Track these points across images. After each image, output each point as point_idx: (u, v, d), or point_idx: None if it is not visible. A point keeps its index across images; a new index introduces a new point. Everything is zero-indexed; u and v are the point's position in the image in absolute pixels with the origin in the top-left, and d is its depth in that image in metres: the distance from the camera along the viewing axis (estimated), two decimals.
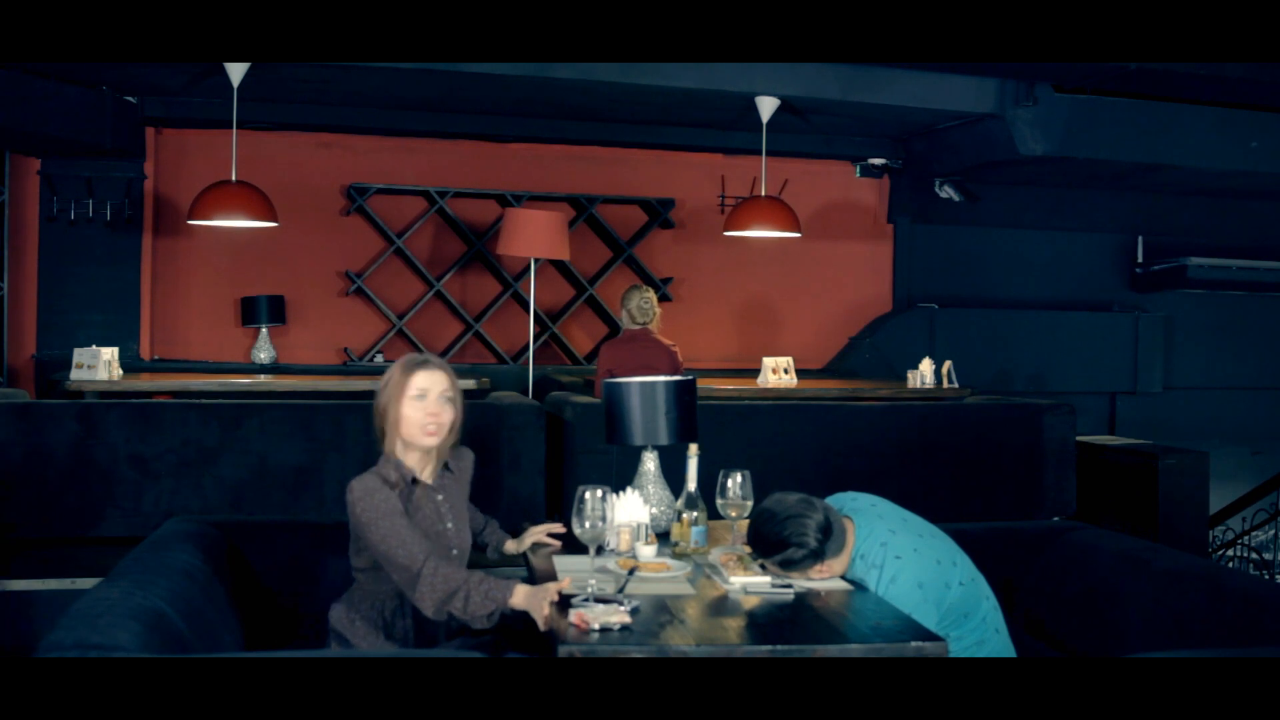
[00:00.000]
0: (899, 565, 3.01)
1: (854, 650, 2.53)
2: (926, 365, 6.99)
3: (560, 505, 5.69)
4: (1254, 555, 8.11)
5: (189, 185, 7.23)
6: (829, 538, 3.01)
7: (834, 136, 8.24)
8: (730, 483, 3.43)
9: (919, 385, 6.92)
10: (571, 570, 3.06)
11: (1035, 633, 3.64)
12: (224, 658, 2.28)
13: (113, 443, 5.43)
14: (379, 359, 7.95)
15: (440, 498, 3.14)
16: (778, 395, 6.59)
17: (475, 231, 8.14)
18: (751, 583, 2.98)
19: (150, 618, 2.44)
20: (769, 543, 3.01)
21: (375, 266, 8.01)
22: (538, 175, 8.28)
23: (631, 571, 3.00)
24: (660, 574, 3.04)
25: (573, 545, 3.21)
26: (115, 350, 6.29)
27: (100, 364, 6.09)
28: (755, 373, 7.16)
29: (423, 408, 3.04)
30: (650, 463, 3.66)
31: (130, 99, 7.21)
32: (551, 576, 3.03)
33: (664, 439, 3.65)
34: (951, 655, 2.84)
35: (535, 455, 5.71)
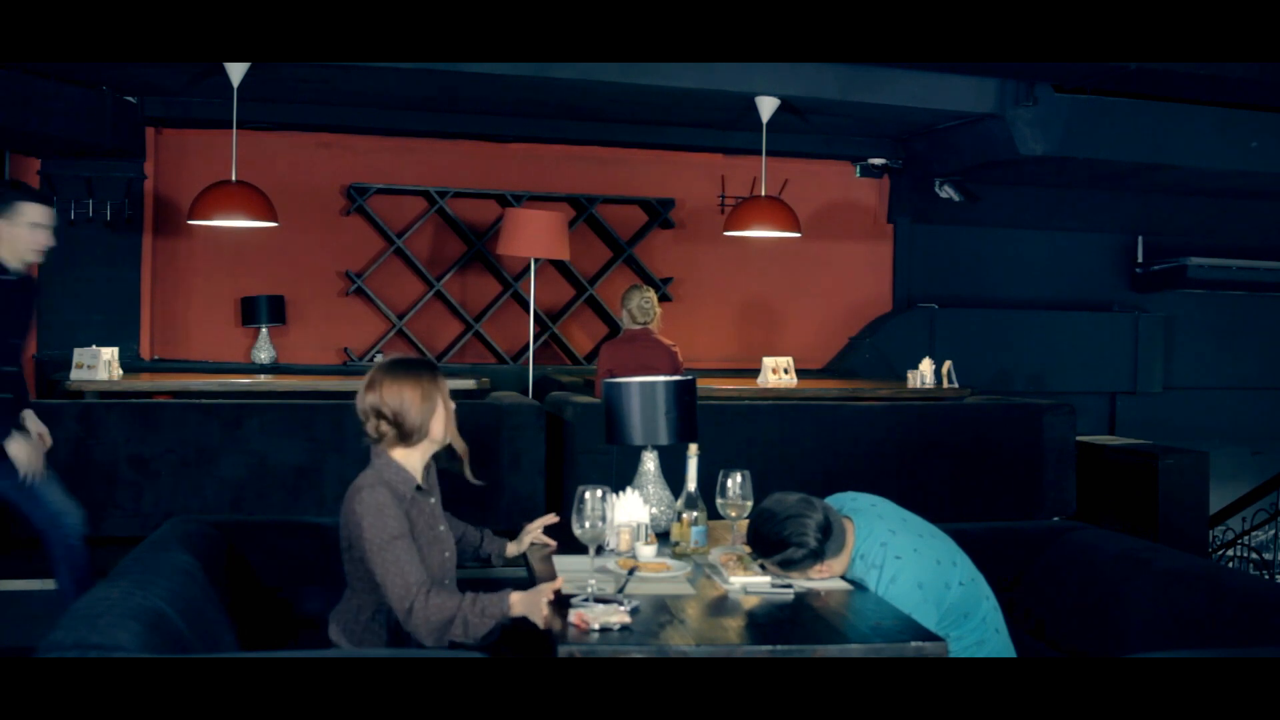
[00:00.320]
0: (899, 565, 3.01)
1: (854, 650, 2.53)
2: (926, 365, 6.99)
3: (560, 505, 5.69)
4: (1254, 555, 8.12)
5: (189, 185, 7.23)
6: (829, 538, 3.01)
7: (834, 136, 8.24)
8: (730, 483, 3.43)
9: (919, 385, 6.92)
10: (571, 570, 3.07)
11: (1035, 633, 3.63)
12: (224, 658, 2.28)
13: (113, 443, 5.43)
14: (379, 359, 7.93)
15: (433, 500, 3.14)
16: (778, 395, 6.59)
17: (475, 231, 8.14)
18: (751, 583, 2.97)
19: (150, 618, 2.44)
20: (769, 543, 3.01)
21: (375, 266, 8.01)
22: (538, 175, 8.28)
23: (631, 571, 3.00)
24: (660, 574, 3.04)
25: (572, 545, 3.21)
26: (115, 350, 6.29)
27: (100, 364, 6.09)
28: (755, 373, 7.16)
29: (450, 407, 3.10)
30: (650, 463, 3.66)
31: (130, 99, 7.21)
32: (551, 577, 3.03)
33: (664, 439, 3.65)
34: (951, 655, 2.84)
35: (535, 455, 5.71)
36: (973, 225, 8.95)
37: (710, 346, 8.48)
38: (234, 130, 6.51)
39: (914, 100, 6.84)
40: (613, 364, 6.07)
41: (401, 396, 3.01)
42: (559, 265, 8.22)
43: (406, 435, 3.02)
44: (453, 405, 3.10)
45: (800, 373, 7.29)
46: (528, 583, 3.17)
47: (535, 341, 7.98)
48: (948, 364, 7.04)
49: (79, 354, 6.15)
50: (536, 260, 7.58)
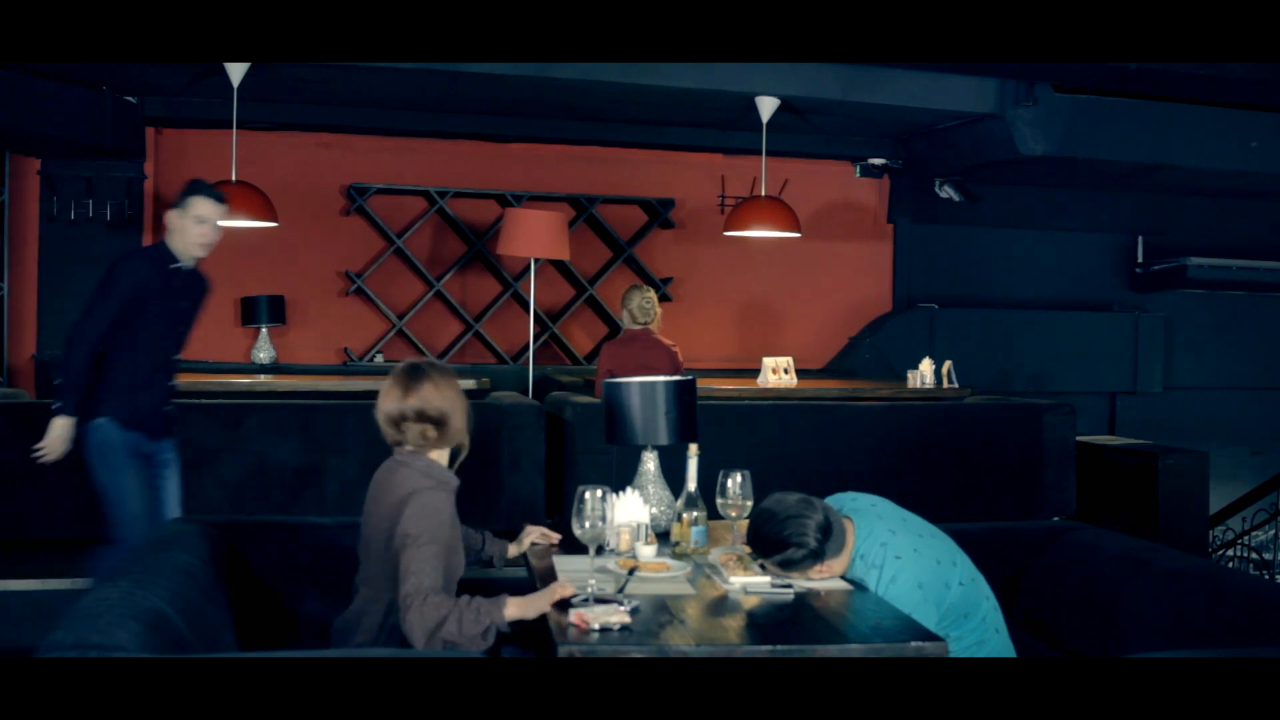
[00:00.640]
0: (899, 565, 3.01)
1: (854, 650, 2.53)
2: (926, 365, 6.99)
3: (560, 505, 5.69)
4: (1254, 555, 8.11)
5: None
6: (829, 538, 3.01)
7: (834, 136, 8.24)
8: (730, 483, 3.43)
9: (919, 385, 6.92)
10: (571, 570, 3.06)
11: (1035, 633, 3.63)
12: (224, 658, 2.28)
13: None
14: (379, 359, 7.95)
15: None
16: (778, 395, 6.59)
17: (475, 231, 8.14)
18: (751, 583, 2.98)
19: (150, 618, 2.44)
20: (769, 543, 3.01)
21: (375, 266, 8.01)
22: (538, 175, 8.28)
23: (631, 571, 3.00)
24: (660, 574, 3.04)
25: (573, 545, 3.21)
26: None
27: None
28: (755, 373, 7.16)
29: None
30: (650, 463, 3.66)
31: (130, 99, 7.21)
32: (551, 576, 3.03)
33: (664, 439, 3.65)
34: (951, 655, 2.84)
35: (535, 455, 5.71)
36: (973, 225, 8.96)
37: (710, 346, 8.48)
38: (234, 130, 6.51)
39: (914, 100, 6.84)
40: (613, 364, 6.07)
41: (446, 398, 3.01)
42: (559, 265, 8.22)
43: (448, 437, 3.02)
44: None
45: (800, 373, 7.29)
46: (528, 583, 3.17)
47: (535, 341, 7.98)
48: (948, 364, 7.04)
49: None
50: (536, 260, 7.58)
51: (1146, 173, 7.89)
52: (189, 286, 4.34)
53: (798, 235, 7.15)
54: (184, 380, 6.55)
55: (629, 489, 3.47)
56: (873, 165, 8.65)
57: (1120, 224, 9.31)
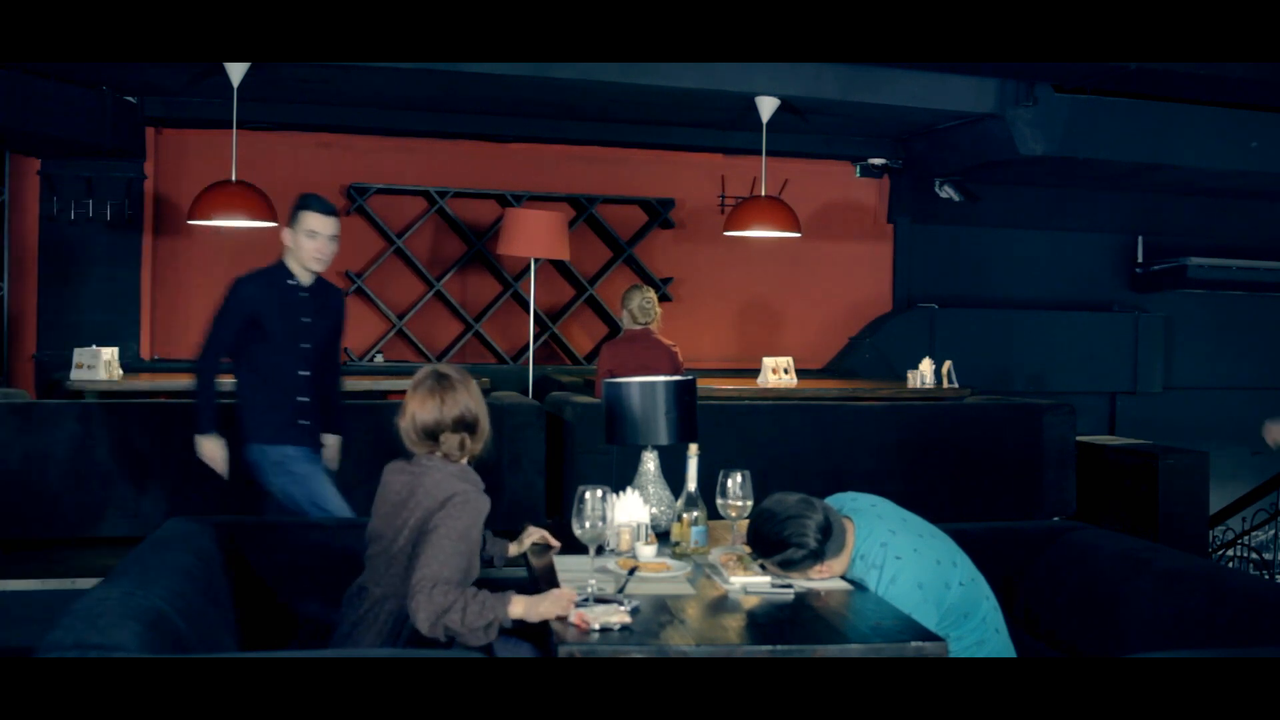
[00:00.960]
0: (899, 565, 3.01)
1: (854, 650, 2.52)
2: (926, 365, 6.99)
3: (560, 505, 5.69)
4: (1254, 555, 8.12)
5: (189, 185, 7.23)
6: (829, 538, 3.01)
7: (834, 136, 8.24)
8: (730, 483, 3.43)
9: (919, 385, 6.92)
10: (571, 570, 3.07)
11: (1035, 633, 3.63)
12: (224, 658, 2.27)
13: (113, 443, 5.43)
14: (379, 359, 7.95)
15: None
16: (778, 395, 6.59)
17: (475, 231, 8.14)
18: (751, 583, 2.97)
19: (150, 618, 2.44)
20: (769, 543, 3.00)
21: (375, 266, 8.01)
22: (538, 175, 8.28)
23: (631, 571, 3.00)
24: (660, 574, 3.04)
25: (573, 545, 3.21)
26: (115, 350, 6.29)
27: (100, 364, 6.09)
28: (755, 373, 7.16)
29: None
30: (650, 463, 3.66)
31: (130, 99, 7.21)
32: (551, 576, 3.03)
33: (664, 439, 3.65)
34: (951, 655, 2.84)
35: (535, 455, 5.71)
36: (973, 225, 8.96)
37: (710, 346, 8.48)
38: (234, 130, 6.50)
39: (914, 100, 6.85)
40: (613, 364, 6.07)
41: (478, 402, 3.03)
42: (559, 265, 8.22)
43: (479, 441, 3.04)
44: None
45: (800, 373, 7.29)
46: (528, 582, 3.17)
47: (535, 341, 7.98)
48: (948, 364, 7.04)
49: (79, 354, 6.15)
50: (536, 260, 7.58)
51: (1146, 173, 7.89)
52: (315, 302, 4.29)
53: (798, 235, 7.15)
54: (185, 380, 6.56)
55: (629, 489, 3.47)
56: (873, 165, 8.65)
57: (1120, 224, 9.31)
